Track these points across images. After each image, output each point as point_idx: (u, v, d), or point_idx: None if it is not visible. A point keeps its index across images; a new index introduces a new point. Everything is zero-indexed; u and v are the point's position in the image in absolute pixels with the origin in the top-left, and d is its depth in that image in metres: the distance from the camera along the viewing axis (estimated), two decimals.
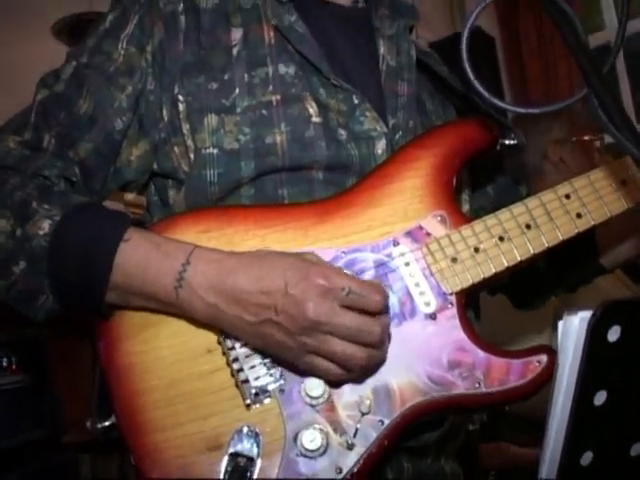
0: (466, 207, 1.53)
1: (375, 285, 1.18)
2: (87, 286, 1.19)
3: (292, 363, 1.17)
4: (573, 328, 0.91)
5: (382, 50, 1.53)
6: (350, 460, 1.16)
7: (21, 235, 1.21)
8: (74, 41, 5.03)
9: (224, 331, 1.20)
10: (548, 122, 3.12)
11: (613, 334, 0.92)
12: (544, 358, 1.21)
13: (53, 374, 3.07)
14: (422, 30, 5.36)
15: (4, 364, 2.79)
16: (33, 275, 1.20)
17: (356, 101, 1.41)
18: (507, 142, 1.44)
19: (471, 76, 1.10)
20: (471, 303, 1.41)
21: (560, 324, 0.92)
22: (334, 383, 1.18)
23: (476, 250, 1.27)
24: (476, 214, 1.57)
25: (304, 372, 1.18)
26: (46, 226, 1.20)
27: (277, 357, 1.19)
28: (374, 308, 1.14)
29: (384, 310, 1.16)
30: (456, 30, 5.91)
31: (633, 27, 5.53)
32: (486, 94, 1.11)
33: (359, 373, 1.17)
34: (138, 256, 1.18)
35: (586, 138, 2.98)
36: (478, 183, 1.62)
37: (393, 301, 1.23)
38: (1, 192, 1.26)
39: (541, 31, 5.50)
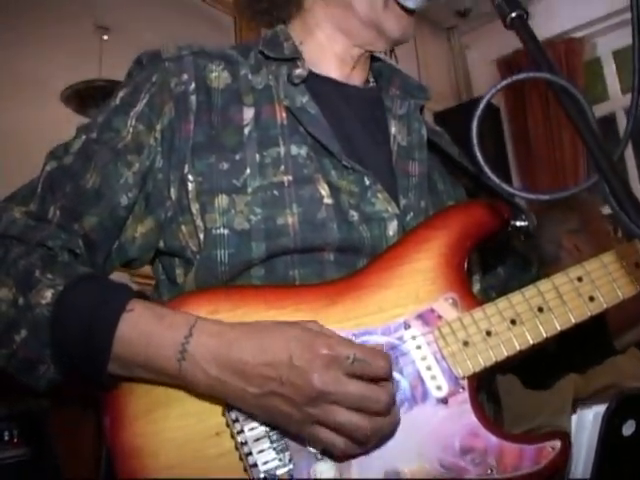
0: (477, 287, 1.53)
1: (379, 351, 1.18)
2: (89, 357, 1.18)
3: (297, 435, 1.16)
4: (587, 423, 0.90)
5: (393, 130, 1.54)
6: None
7: (23, 304, 1.20)
8: (83, 108, 5.09)
9: (228, 404, 1.18)
10: (564, 212, 3.24)
11: (628, 428, 0.91)
12: (558, 444, 1.20)
13: (55, 445, 3.03)
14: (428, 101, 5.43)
15: (6, 437, 2.74)
16: (34, 344, 1.19)
17: (367, 182, 1.41)
18: (518, 224, 1.44)
19: (481, 161, 1.11)
20: (484, 386, 1.40)
21: (574, 419, 0.91)
22: (344, 466, 1.16)
23: (488, 333, 1.26)
24: (486, 293, 1.57)
25: (310, 444, 1.17)
26: (49, 295, 1.19)
27: (282, 428, 1.18)
28: (379, 374, 1.14)
29: (389, 377, 1.16)
30: (461, 100, 5.99)
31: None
32: (497, 180, 1.11)
33: (366, 445, 1.15)
34: (140, 327, 1.18)
35: (599, 228, 3.05)
36: (488, 263, 1.62)
37: (404, 385, 1.22)
38: (4, 261, 1.26)
39: (546, 102, 5.54)
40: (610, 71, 5.86)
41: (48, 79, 5.03)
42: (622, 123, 5.66)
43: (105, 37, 4.72)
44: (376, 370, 1.14)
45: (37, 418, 2.94)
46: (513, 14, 1.19)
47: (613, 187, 1.07)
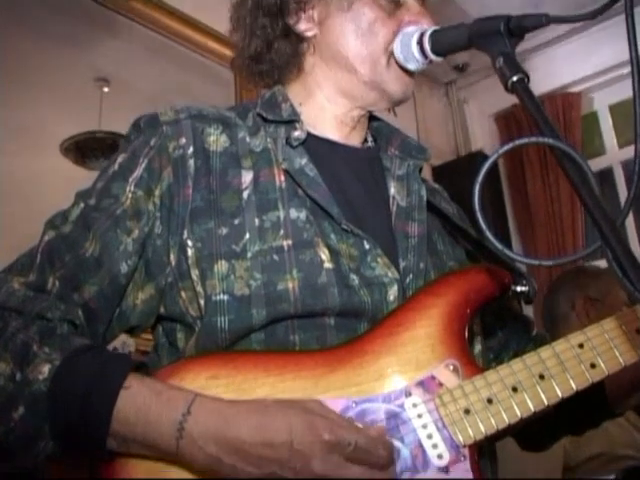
0: (478, 347, 1.52)
1: (381, 439, 1.16)
2: (87, 434, 1.16)
3: None
4: None
5: (392, 191, 1.54)
6: None
7: (21, 379, 1.18)
8: (82, 159, 5.10)
9: None
10: (587, 278, 3.30)
11: None
12: None
13: None
14: None
15: None
16: (32, 421, 1.17)
17: (367, 246, 1.40)
18: (519, 289, 1.43)
19: (484, 227, 1.10)
20: (485, 451, 1.38)
21: None
22: None
23: (489, 401, 1.24)
24: (484, 355, 1.55)
25: None
26: (46, 371, 1.17)
27: None
28: (380, 463, 1.12)
29: (390, 463, 1.14)
30: (459, 155, 6.01)
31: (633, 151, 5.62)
32: (499, 246, 1.10)
33: None
34: (138, 404, 1.15)
35: (615, 305, 3.08)
36: (488, 325, 1.61)
37: (405, 454, 1.20)
38: (3, 335, 1.24)
39: (544, 156, 5.56)
40: (607, 125, 5.87)
41: (47, 130, 5.05)
42: (619, 177, 5.67)
43: (105, 89, 4.74)
44: (377, 460, 1.13)
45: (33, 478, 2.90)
46: (514, 77, 1.19)
47: (616, 253, 1.05)
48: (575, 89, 5.77)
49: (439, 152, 5.88)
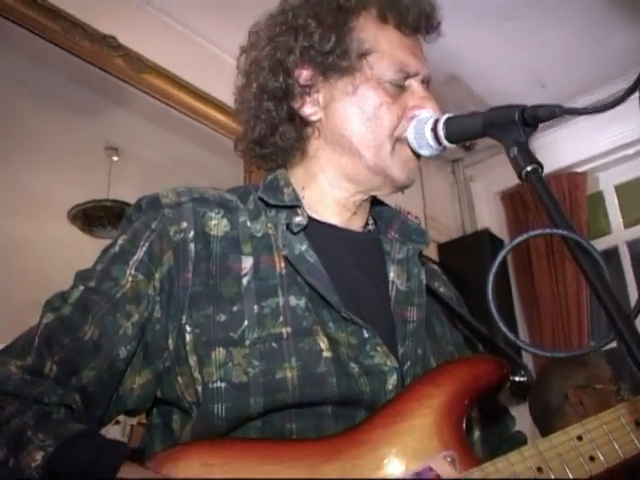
0: (477, 433, 1.51)
1: None
2: None
3: None
4: None
5: (392, 275, 1.54)
6: None
7: (14, 465, 1.16)
8: (89, 227, 5.13)
9: None
10: (572, 366, 3.36)
11: None
12: None
13: None
14: (433, 231, 5.47)
15: None
16: None
17: (366, 335, 1.39)
18: (517, 379, 1.42)
19: (497, 317, 1.08)
20: None
21: None
22: None
23: None
24: (482, 442, 1.53)
25: None
26: (39, 458, 1.14)
27: None
28: None
29: None
30: (465, 232, 6.02)
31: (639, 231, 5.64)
32: (512, 336, 1.08)
33: None
34: None
35: (604, 387, 3.12)
36: (484, 416, 1.58)
37: None
38: None
39: (550, 242, 5.58)
40: (612, 205, 5.90)
41: (56, 196, 5.09)
42: (625, 257, 5.67)
43: (115, 158, 4.79)
44: None
45: None
46: (529, 167, 1.19)
47: (630, 347, 1.04)
48: (580, 169, 5.81)
49: (445, 229, 5.90)
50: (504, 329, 1.08)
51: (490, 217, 6.11)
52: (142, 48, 3.72)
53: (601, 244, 5.70)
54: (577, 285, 5.40)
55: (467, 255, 5.41)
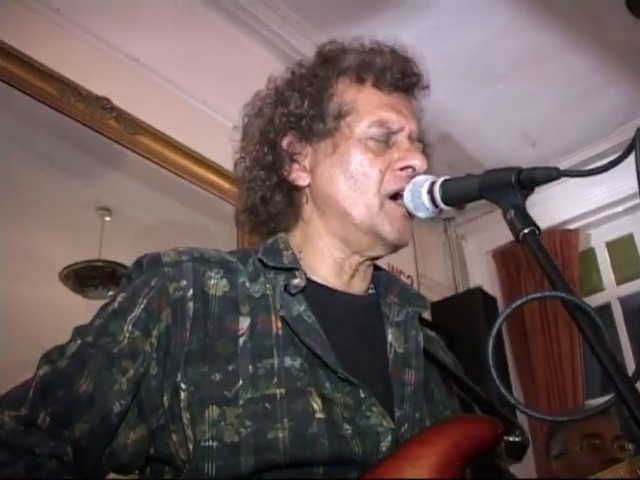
0: None
1: None
2: None
3: None
4: None
5: (390, 337, 1.53)
6: None
7: None
8: (80, 287, 5.10)
9: None
10: (546, 440, 3.50)
11: None
12: None
13: None
14: (425, 289, 5.47)
15: None
16: None
17: (362, 395, 1.38)
18: (511, 439, 1.40)
19: (497, 380, 1.07)
20: None
21: None
22: None
23: None
24: None
25: None
26: None
27: None
28: None
29: None
30: (457, 291, 6.03)
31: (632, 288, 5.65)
32: (513, 400, 1.08)
33: None
34: None
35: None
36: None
37: None
38: None
39: (544, 305, 5.59)
40: (604, 262, 5.93)
41: (47, 257, 5.06)
42: (617, 312, 5.69)
43: (107, 218, 4.78)
44: None
45: None
46: (526, 230, 1.19)
47: (631, 409, 1.03)
48: (573, 226, 5.85)
49: (437, 288, 5.90)
50: (504, 391, 1.07)
51: (482, 275, 6.13)
52: (136, 110, 3.73)
53: (594, 301, 5.72)
54: (570, 343, 5.41)
55: (460, 313, 5.41)
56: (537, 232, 1.20)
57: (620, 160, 1.16)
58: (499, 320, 1.08)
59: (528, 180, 1.26)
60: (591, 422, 3.40)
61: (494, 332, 1.08)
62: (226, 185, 3.89)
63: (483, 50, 4.83)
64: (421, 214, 1.51)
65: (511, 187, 1.26)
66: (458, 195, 1.44)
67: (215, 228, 4.20)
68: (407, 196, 1.50)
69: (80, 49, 3.62)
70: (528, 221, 1.20)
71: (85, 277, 5.08)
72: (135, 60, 3.86)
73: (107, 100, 3.58)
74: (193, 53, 4.18)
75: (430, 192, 1.46)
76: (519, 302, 1.11)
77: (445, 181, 1.46)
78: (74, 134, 3.71)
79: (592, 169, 1.20)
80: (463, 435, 1.33)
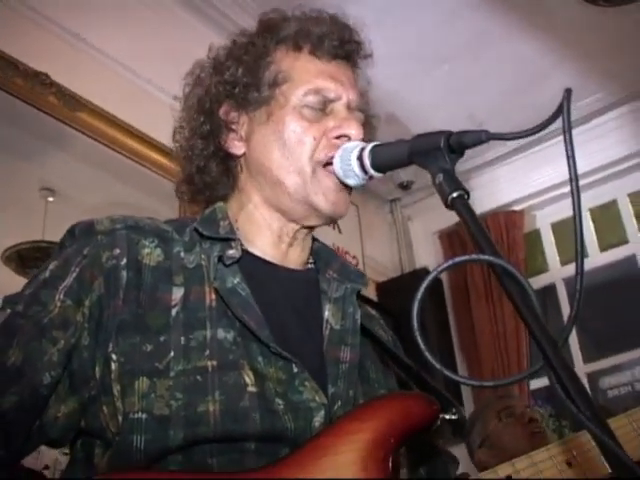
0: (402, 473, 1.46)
1: None
2: None
3: None
4: None
5: (327, 314, 1.51)
6: None
7: None
8: (23, 269, 5.01)
9: None
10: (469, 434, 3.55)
11: None
12: None
13: None
14: (371, 270, 5.47)
15: None
16: None
17: (295, 370, 1.36)
18: (447, 417, 1.39)
19: (422, 345, 1.06)
20: None
21: None
22: None
23: None
24: None
25: None
26: None
27: None
28: None
29: None
30: (403, 271, 6.04)
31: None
32: (438, 365, 1.06)
33: None
34: None
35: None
36: (412, 459, 1.55)
37: None
38: None
39: (488, 277, 5.62)
40: (549, 242, 5.99)
41: None
42: (562, 293, 5.76)
43: (50, 199, 4.70)
44: None
45: None
46: (454, 194, 1.18)
47: (559, 375, 1.03)
48: (518, 207, 5.89)
49: (383, 269, 5.91)
50: (429, 357, 1.06)
51: (428, 256, 6.14)
52: (77, 87, 3.67)
53: (539, 281, 5.79)
54: (516, 325, 5.43)
55: (405, 294, 5.36)
56: (466, 196, 1.18)
57: (549, 122, 1.15)
58: (425, 281, 1.06)
59: (457, 144, 1.25)
60: (503, 400, 3.48)
61: (419, 295, 1.07)
62: (169, 163, 3.84)
63: (431, 32, 4.84)
64: (351, 181, 1.49)
65: (440, 151, 1.25)
66: (388, 160, 1.42)
67: (159, 207, 4.15)
68: (337, 162, 1.48)
69: (19, 24, 3.55)
70: (457, 185, 1.19)
71: (29, 258, 5.00)
72: (76, 36, 3.79)
73: (46, 75, 3.51)
74: (137, 31, 4.12)
75: (360, 158, 1.44)
76: (444, 265, 1.10)
77: (375, 147, 1.44)
78: (15, 113, 3.64)
79: (520, 132, 1.19)
80: (398, 412, 1.32)
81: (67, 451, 1.44)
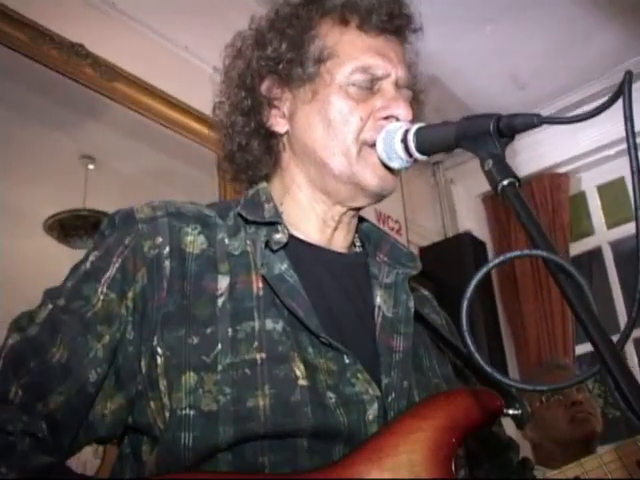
0: (461, 473, 1.40)
1: None
2: None
3: None
4: None
5: (378, 300, 1.45)
6: None
7: None
8: (65, 238, 5.04)
9: None
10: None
11: None
12: None
13: None
14: (413, 235, 5.41)
15: None
16: None
17: (347, 361, 1.31)
18: (511, 412, 1.33)
19: (472, 348, 1.00)
20: None
21: None
22: None
23: None
24: None
25: None
26: None
27: None
28: None
29: None
30: (447, 235, 5.96)
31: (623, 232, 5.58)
32: (489, 369, 1.00)
33: None
34: None
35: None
36: (472, 453, 1.49)
37: None
38: None
39: (537, 270, 5.54)
40: (595, 205, 5.87)
41: (31, 207, 4.99)
42: (608, 257, 5.64)
43: (90, 166, 4.70)
44: None
45: None
46: (505, 182, 1.11)
47: (616, 378, 0.96)
48: (562, 169, 5.77)
49: (426, 233, 5.84)
50: (480, 360, 1.00)
51: (471, 220, 6.05)
52: (113, 57, 3.63)
53: (584, 245, 5.70)
54: (563, 320, 5.34)
55: (449, 259, 5.34)
56: (517, 184, 1.12)
57: (607, 106, 1.07)
58: (472, 283, 1.00)
59: (507, 128, 1.18)
60: (549, 377, 3.41)
61: (468, 295, 1.00)
62: (207, 131, 3.80)
63: None
64: (395, 164, 1.42)
65: (489, 136, 1.18)
66: (433, 144, 1.36)
67: (197, 175, 4.13)
68: (379, 145, 1.42)
69: None
70: (507, 172, 1.12)
71: (70, 227, 5.02)
72: (111, 5, 3.74)
73: (82, 46, 3.47)
74: None
75: (404, 141, 1.38)
76: (496, 261, 1.03)
77: (419, 129, 1.37)
78: (50, 83, 3.62)
79: (575, 116, 1.11)
80: (461, 409, 1.27)
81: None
